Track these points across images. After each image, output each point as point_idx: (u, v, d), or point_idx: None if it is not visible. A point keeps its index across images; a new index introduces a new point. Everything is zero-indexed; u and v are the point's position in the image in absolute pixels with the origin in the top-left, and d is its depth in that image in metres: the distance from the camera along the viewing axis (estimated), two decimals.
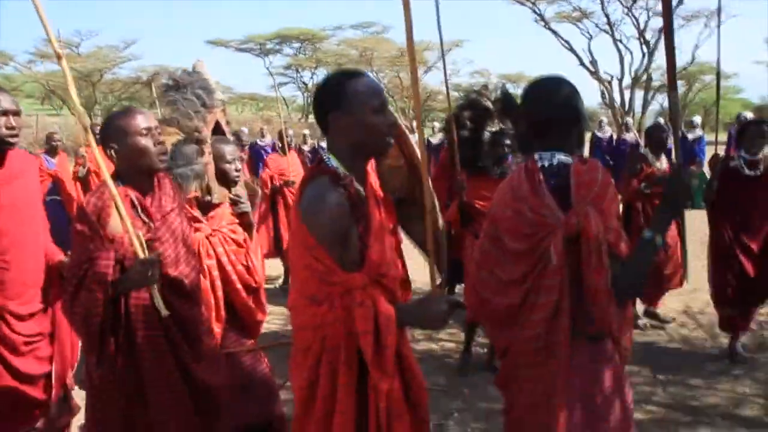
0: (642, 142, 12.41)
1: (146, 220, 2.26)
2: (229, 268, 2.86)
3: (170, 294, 2.25)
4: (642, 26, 27.51)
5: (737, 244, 4.32)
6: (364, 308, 1.68)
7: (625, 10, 27.28)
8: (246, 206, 3.05)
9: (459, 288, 5.06)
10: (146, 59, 45.81)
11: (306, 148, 12.08)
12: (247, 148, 10.75)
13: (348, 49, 38.31)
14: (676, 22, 27.19)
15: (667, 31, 1.84)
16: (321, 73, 41.10)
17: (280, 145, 7.44)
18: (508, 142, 4.19)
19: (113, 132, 2.25)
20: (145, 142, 2.23)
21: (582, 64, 28.81)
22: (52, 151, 7.75)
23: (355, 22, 44.88)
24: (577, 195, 1.88)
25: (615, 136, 13.12)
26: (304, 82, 41.83)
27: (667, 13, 1.87)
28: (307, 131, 13.50)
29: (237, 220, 3.01)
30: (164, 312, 2.18)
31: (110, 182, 2.12)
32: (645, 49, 27.87)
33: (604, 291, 1.85)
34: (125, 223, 2.11)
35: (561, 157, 1.94)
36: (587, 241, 1.83)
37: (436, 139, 14.01)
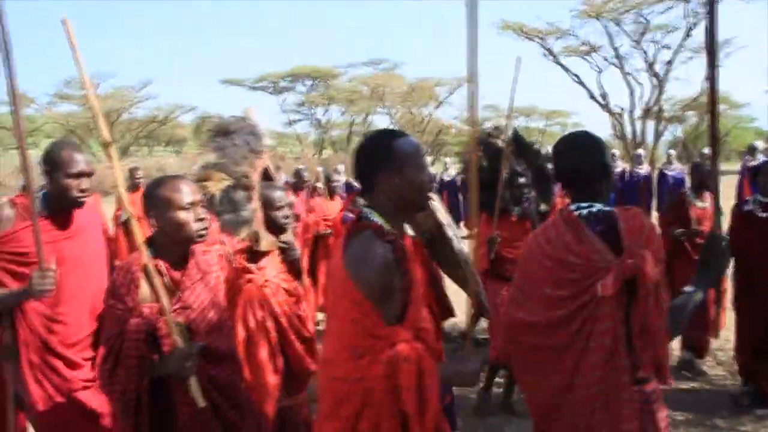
0: (654, 176, 12.41)
1: (174, 290, 2.21)
2: (282, 319, 2.82)
3: (207, 362, 2.21)
4: (651, 59, 27.69)
5: (759, 293, 4.05)
6: (408, 364, 1.67)
7: (634, 44, 27.52)
8: (296, 253, 3.00)
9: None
10: (162, 99, 46.55)
11: (338, 182, 11.55)
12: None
13: (359, 86, 38.82)
14: (685, 54, 27.30)
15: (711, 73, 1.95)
16: (333, 110, 41.66)
17: (293, 181, 7.40)
18: (524, 181, 4.23)
19: (155, 202, 2.19)
20: (186, 216, 2.17)
21: (592, 97, 28.94)
22: (133, 188, 7.43)
23: (366, 59, 45.58)
24: (628, 239, 1.95)
25: (627, 169, 13.11)
26: (317, 119, 42.33)
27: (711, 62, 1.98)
28: (320, 168, 13.57)
29: (286, 268, 2.96)
30: (201, 403, 2.11)
31: (145, 253, 2.13)
32: (655, 82, 27.97)
33: (662, 332, 1.91)
34: (163, 305, 2.09)
35: (599, 206, 2.04)
36: (645, 283, 1.88)
37: (447, 176, 14.08)
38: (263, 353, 2.78)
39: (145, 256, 2.12)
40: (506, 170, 4.15)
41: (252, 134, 2.89)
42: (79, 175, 2.60)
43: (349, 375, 1.74)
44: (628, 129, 29.27)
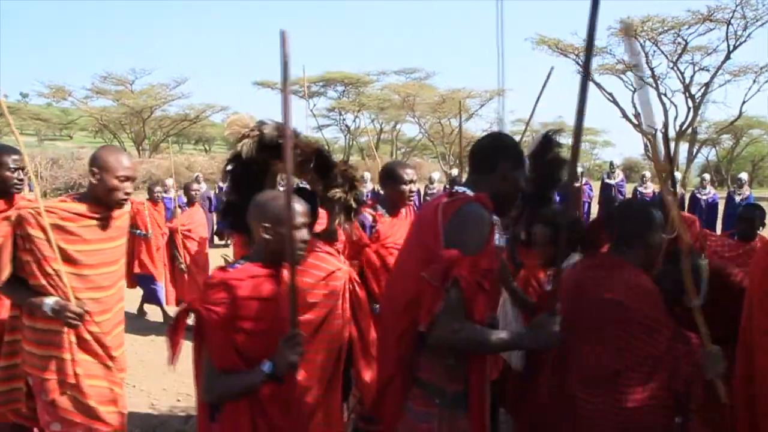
0: (686, 197, 12.16)
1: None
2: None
3: None
4: (687, 80, 27.27)
5: None
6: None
7: (671, 64, 27.14)
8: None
9: None
10: (195, 98, 47.17)
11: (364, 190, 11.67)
12: None
13: (390, 94, 38.91)
14: (723, 77, 26.88)
15: None
16: (364, 117, 41.84)
17: None
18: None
19: (273, 216, 2.16)
20: (300, 234, 2.17)
21: (625, 116, 28.61)
22: (189, 202, 7.39)
23: (398, 67, 45.78)
24: None
25: (657, 191, 12.87)
26: (346, 125, 42.55)
27: None
28: (367, 173, 13.44)
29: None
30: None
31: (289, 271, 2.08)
32: (690, 104, 27.53)
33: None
34: (292, 307, 2.07)
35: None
36: None
37: None
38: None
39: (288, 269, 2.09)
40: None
41: None
42: (126, 179, 2.86)
43: None
44: (660, 150, 28.82)
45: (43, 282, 2.74)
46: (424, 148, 48.00)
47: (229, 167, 2.96)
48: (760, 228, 4.28)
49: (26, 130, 46.48)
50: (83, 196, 2.91)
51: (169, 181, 9.21)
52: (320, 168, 2.98)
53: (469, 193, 2.08)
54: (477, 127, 45.58)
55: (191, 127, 44.27)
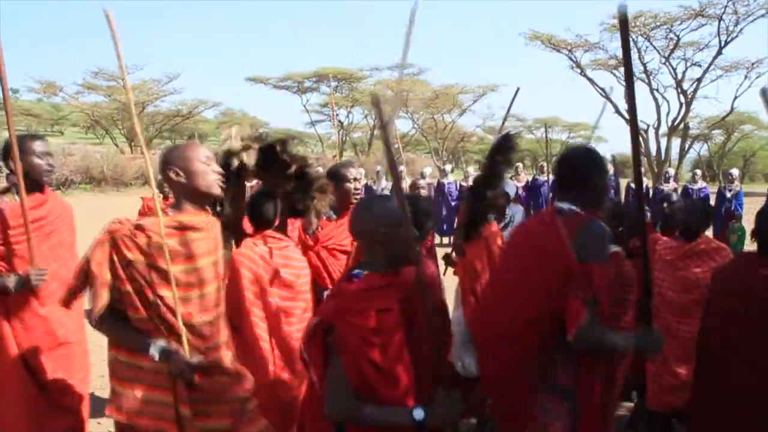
0: (678, 191, 12.24)
1: None
2: None
3: None
4: (679, 76, 27.34)
5: None
6: None
7: (663, 60, 27.19)
8: None
9: None
10: (187, 93, 46.88)
11: (423, 183, 10.63)
12: None
13: (384, 90, 38.89)
14: (715, 72, 26.97)
15: None
16: (357, 112, 41.80)
17: None
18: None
19: (390, 220, 2.04)
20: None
21: (617, 111, 28.71)
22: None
23: (391, 63, 45.63)
24: None
25: (650, 186, 12.95)
26: (339, 121, 42.53)
27: None
28: (380, 167, 13.32)
29: None
30: None
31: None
32: (682, 99, 27.61)
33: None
34: None
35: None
36: None
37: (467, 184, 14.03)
38: None
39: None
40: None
41: None
42: (210, 159, 2.47)
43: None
44: (652, 145, 28.92)
45: (144, 315, 2.26)
46: (417, 143, 48.01)
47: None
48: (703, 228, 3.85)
49: (17, 125, 46.00)
50: (173, 208, 2.41)
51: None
52: (301, 178, 3.06)
53: (575, 208, 2.34)
54: (470, 123, 45.65)
55: (184, 123, 44.13)
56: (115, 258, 2.23)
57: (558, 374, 2.28)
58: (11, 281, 2.87)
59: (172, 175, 2.33)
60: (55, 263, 3.05)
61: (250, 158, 2.86)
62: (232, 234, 2.89)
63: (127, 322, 2.27)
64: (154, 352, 2.21)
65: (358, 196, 3.66)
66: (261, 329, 3.02)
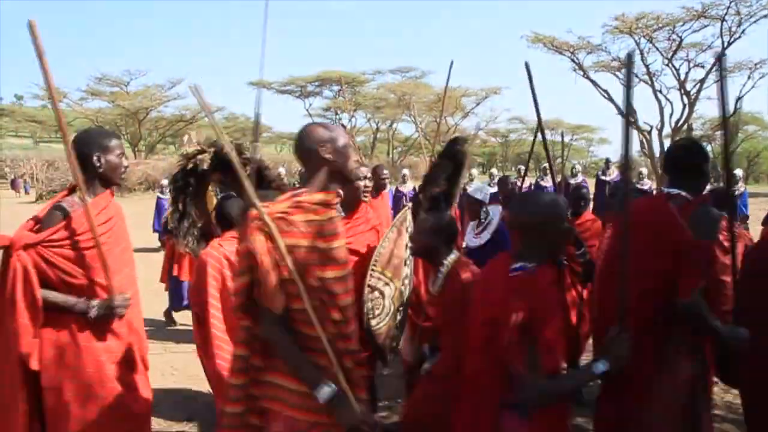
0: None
1: None
2: None
3: None
4: (682, 77, 27.28)
5: None
6: None
7: (666, 61, 27.15)
8: None
9: None
10: (190, 98, 46.95)
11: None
12: None
13: (386, 93, 38.95)
14: (717, 73, 27.00)
15: None
16: (360, 116, 41.84)
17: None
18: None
19: (550, 216, 2.22)
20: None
21: (621, 113, 28.68)
22: None
23: (393, 66, 45.66)
24: None
25: (654, 187, 12.94)
26: (342, 125, 42.61)
27: None
28: (406, 171, 13.19)
29: None
30: None
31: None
32: (685, 100, 27.55)
33: None
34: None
35: None
36: None
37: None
38: None
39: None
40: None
41: None
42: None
43: None
44: (656, 147, 28.87)
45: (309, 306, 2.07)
46: (420, 147, 48.04)
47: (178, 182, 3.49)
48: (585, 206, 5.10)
49: (21, 132, 46.31)
50: (311, 186, 2.24)
51: (165, 182, 9.24)
52: (260, 179, 3.31)
53: (684, 194, 2.59)
54: (473, 125, 45.62)
55: (187, 128, 44.26)
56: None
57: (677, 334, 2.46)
58: (93, 309, 2.68)
59: (322, 151, 2.22)
60: (127, 267, 2.92)
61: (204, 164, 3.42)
62: (204, 234, 3.38)
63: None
64: (321, 395, 2.05)
65: (367, 195, 3.71)
66: (217, 329, 3.21)
